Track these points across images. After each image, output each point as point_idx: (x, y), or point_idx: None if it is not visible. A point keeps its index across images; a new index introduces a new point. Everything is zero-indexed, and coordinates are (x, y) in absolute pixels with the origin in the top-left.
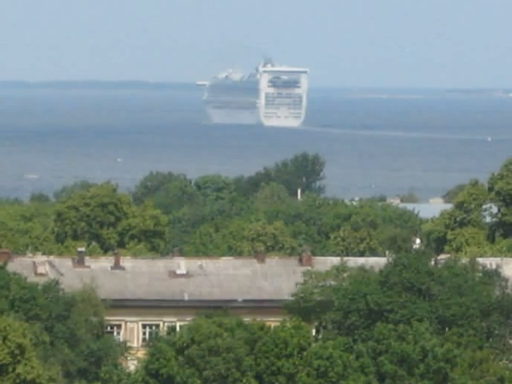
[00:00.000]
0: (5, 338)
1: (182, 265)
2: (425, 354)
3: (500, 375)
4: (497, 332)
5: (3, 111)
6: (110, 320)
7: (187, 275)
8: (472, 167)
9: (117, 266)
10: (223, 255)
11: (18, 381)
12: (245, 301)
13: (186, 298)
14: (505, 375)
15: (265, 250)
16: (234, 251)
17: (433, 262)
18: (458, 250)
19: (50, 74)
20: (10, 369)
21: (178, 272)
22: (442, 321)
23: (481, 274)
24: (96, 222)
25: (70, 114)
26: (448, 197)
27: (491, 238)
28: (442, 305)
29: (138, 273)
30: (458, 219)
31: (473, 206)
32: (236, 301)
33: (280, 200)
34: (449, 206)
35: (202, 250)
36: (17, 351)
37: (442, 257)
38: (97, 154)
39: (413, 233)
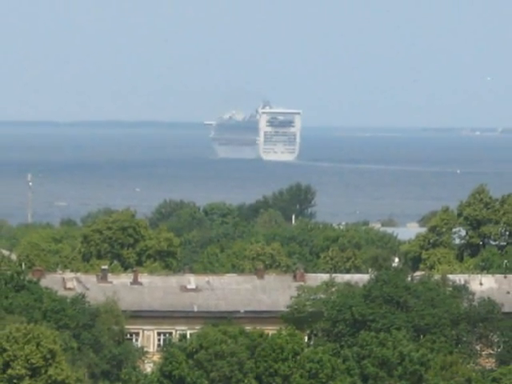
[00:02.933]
0: (38, 344)
1: (191, 280)
2: (402, 358)
3: (468, 377)
4: (465, 339)
5: (36, 147)
6: (129, 328)
7: (196, 289)
8: (443, 196)
9: (135, 281)
10: (227, 272)
11: (49, 381)
12: (246, 312)
13: (196, 309)
14: (472, 377)
15: (263, 267)
16: (236, 269)
17: (409, 278)
18: (431, 267)
19: (77, 115)
20: (43, 371)
21: (189, 287)
22: (418, 329)
23: (451, 289)
24: (117, 244)
25: (94, 149)
26: (422, 221)
27: (460, 258)
28: (417, 315)
29: (153, 287)
30: (431, 241)
31: (444, 229)
32: (239, 312)
33: (277, 224)
34: (423, 230)
35: (209, 267)
36: (48, 355)
37: (418, 274)
38: (118, 185)
39: (392, 253)
